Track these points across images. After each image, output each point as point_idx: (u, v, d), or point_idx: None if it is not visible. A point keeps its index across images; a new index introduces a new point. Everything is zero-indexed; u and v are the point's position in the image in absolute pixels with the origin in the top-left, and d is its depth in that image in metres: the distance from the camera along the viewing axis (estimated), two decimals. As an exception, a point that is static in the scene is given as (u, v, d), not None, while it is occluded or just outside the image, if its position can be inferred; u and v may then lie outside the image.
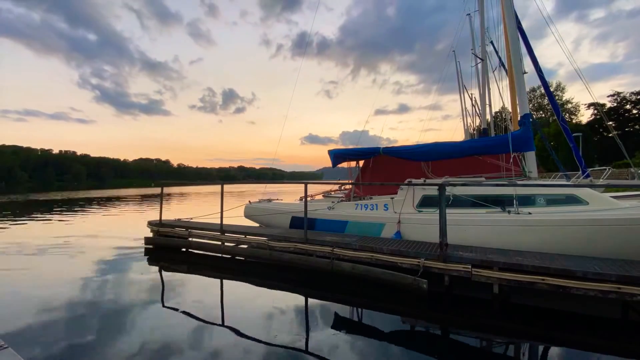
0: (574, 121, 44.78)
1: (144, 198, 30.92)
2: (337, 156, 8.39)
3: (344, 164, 9.03)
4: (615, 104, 42.17)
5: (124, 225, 13.73)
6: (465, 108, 22.88)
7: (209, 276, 6.18)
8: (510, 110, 10.73)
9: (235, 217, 8.16)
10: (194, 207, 21.75)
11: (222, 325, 3.99)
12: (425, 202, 6.29)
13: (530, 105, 45.93)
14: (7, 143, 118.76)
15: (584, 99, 50.18)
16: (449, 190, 5.82)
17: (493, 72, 16.09)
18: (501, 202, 5.66)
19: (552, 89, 37.77)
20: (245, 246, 7.11)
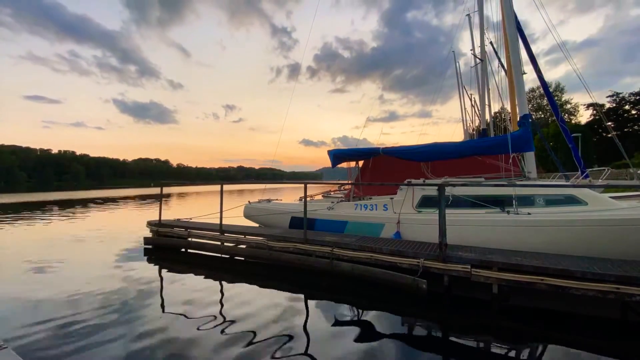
0: (573, 122, 44.91)
1: (143, 198, 30.89)
2: (337, 156, 8.38)
3: (344, 164, 9.04)
4: (614, 105, 42.30)
5: (122, 225, 13.71)
6: (465, 109, 22.94)
7: (208, 276, 6.17)
8: (509, 110, 10.76)
9: (235, 217, 8.15)
10: (193, 207, 21.74)
11: (221, 325, 3.99)
12: (425, 203, 6.29)
13: (530, 105, 45.99)
14: (36, 146, 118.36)
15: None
16: (449, 191, 5.82)
17: (492, 72, 16.15)
18: (500, 203, 5.67)
19: (551, 90, 37.82)
20: (245, 246, 7.11)
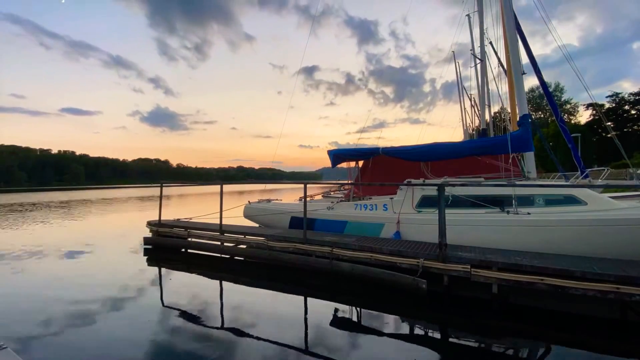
0: (572, 122, 44.92)
1: (143, 198, 30.87)
2: (337, 156, 8.37)
3: (344, 164, 9.03)
4: (613, 105, 42.35)
5: (122, 225, 13.72)
6: (465, 109, 22.96)
7: (208, 276, 6.17)
8: (509, 110, 10.76)
9: (235, 217, 8.15)
10: (193, 207, 21.72)
11: (221, 325, 3.99)
12: (425, 203, 6.28)
13: (529, 105, 45.98)
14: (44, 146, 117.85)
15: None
16: (448, 191, 5.81)
17: (492, 72, 16.16)
18: (500, 203, 5.67)
19: (550, 90, 37.79)
20: (245, 246, 7.10)
